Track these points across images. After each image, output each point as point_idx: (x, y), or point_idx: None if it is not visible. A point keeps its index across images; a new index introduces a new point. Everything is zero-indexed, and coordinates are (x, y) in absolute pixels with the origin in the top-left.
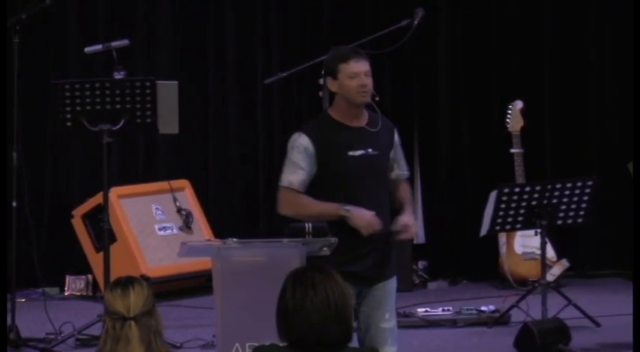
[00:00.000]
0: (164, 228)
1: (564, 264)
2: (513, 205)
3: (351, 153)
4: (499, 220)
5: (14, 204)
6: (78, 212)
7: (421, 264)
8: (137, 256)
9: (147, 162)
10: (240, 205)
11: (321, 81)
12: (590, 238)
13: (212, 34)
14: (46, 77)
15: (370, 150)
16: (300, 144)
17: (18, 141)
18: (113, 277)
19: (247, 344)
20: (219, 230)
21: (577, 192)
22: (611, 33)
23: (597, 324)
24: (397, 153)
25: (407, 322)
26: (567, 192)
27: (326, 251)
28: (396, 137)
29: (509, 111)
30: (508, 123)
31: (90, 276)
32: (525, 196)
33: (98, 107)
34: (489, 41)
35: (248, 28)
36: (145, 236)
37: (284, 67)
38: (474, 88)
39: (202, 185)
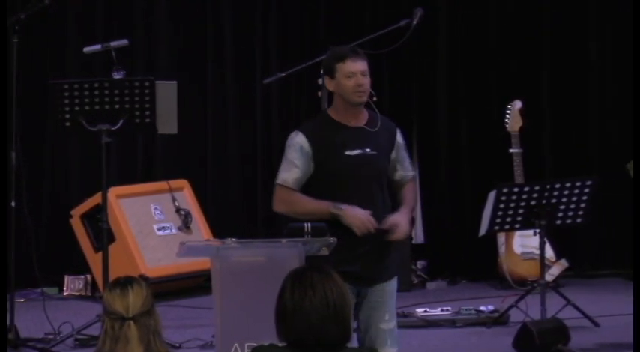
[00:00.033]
0: (163, 228)
1: (563, 263)
2: (512, 205)
3: (347, 152)
4: (498, 220)
5: (13, 204)
6: (77, 212)
7: (420, 264)
8: (136, 256)
9: (146, 162)
10: (239, 205)
11: (320, 81)
12: (589, 238)
13: (211, 33)
14: (45, 77)
15: (368, 149)
16: (297, 143)
17: (17, 141)
18: (112, 277)
19: (246, 344)
20: (218, 230)
21: (576, 192)
22: (611, 32)
23: (596, 324)
24: (400, 154)
25: (406, 322)
26: (566, 192)
27: (325, 251)
28: (399, 138)
29: (508, 111)
30: (507, 123)
31: (89, 276)
32: (524, 196)
33: (97, 107)
34: (488, 41)
35: (247, 28)
36: (143, 236)
37: (283, 67)
38: (473, 87)
39: (201, 185)
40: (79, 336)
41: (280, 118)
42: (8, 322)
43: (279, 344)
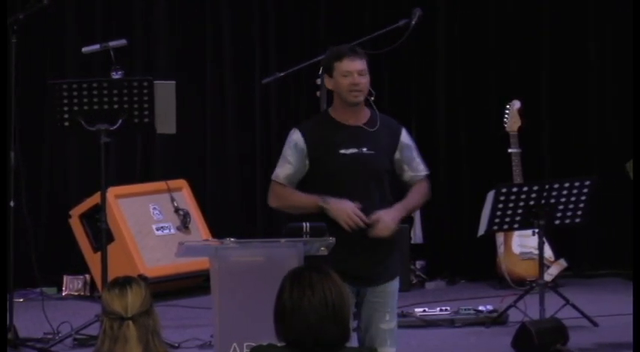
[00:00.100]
0: (162, 228)
1: (562, 263)
2: (511, 205)
3: (342, 151)
4: (497, 220)
5: (12, 203)
6: (75, 212)
7: (419, 264)
8: (135, 256)
9: (144, 162)
10: (237, 205)
11: (319, 81)
12: (588, 238)
13: (210, 33)
14: (44, 77)
15: (365, 149)
16: (292, 140)
17: (16, 140)
18: (111, 277)
19: (245, 344)
20: (217, 230)
21: (575, 191)
22: (610, 32)
23: (595, 324)
24: (406, 154)
25: (405, 322)
26: (565, 192)
27: (324, 251)
28: (403, 138)
29: (507, 111)
30: (506, 123)
31: (87, 276)
32: (523, 196)
33: (96, 107)
34: (487, 41)
35: (246, 28)
36: (142, 236)
37: (282, 66)
38: (472, 87)
39: (200, 185)
40: (78, 336)
41: (279, 118)
42: (7, 322)
43: (278, 344)
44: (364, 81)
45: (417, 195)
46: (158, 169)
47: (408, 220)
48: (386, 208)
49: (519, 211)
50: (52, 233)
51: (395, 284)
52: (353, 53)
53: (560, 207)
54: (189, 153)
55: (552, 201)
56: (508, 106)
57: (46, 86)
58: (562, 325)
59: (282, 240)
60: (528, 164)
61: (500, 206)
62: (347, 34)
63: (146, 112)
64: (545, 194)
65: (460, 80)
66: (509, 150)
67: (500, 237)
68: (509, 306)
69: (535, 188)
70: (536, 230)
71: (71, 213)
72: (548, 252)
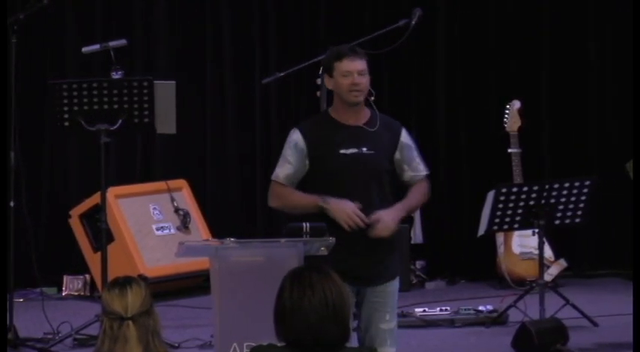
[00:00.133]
0: (162, 228)
1: (562, 263)
2: (511, 205)
3: (342, 151)
4: (497, 220)
5: (12, 203)
6: (75, 212)
7: (419, 264)
8: (135, 256)
9: (144, 162)
10: (237, 205)
11: (319, 81)
12: (588, 238)
13: (210, 33)
14: (44, 77)
15: (365, 149)
16: (292, 140)
17: (16, 140)
18: (111, 277)
19: (245, 344)
20: (217, 230)
21: (575, 191)
22: (610, 32)
23: (595, 324)
24: (406, 154)
25: (405, 322)
26: (565, 192)
27: (324, 251)
28: (403, 138)
29: (507, 111)
30: (506, 123)
31: (87, 276)
32: (523, 196)
33: (96, 107)
34: (487, 41)
35: (246, 28)
36: (142, 236)
37: (282, 66)
38: (472, 87)
39: (200, 185)
40: (78, 336)
41: (279, 118)
42: (7, 322)
43: (278, 344)
44: (364, 81)
45: (417, 195)
46: (158, 169)
47: (408, 220)
48: (386, 208)
49: (519, 211)
50: (52, 233)
51: (395, 284)
52: (353, 53)
53: (560, 207)
54: (189, 153)
55: (552, 201)
56: (508, 106)
57: (46, 86)
58: (562, 325)
59: (282, 240)
60: (528, 164)
61: (500, 206)
62: (347, 34)
63: (146, 112)
64: (545, 194)
65: (460, 80)
66: (509, 150)
67: (500, 237)
68: (509, 306)
69: (535, 188)
70: (536, 230)
71: (71, 213)
72: (548, 252)
